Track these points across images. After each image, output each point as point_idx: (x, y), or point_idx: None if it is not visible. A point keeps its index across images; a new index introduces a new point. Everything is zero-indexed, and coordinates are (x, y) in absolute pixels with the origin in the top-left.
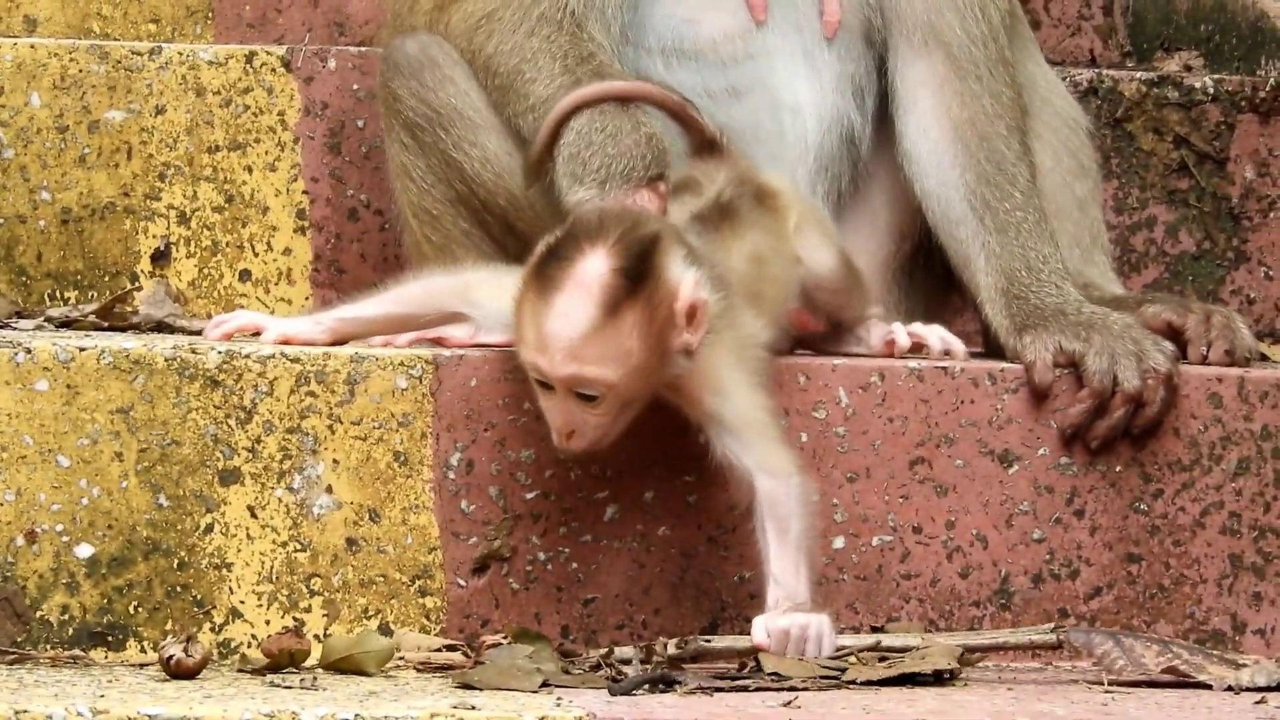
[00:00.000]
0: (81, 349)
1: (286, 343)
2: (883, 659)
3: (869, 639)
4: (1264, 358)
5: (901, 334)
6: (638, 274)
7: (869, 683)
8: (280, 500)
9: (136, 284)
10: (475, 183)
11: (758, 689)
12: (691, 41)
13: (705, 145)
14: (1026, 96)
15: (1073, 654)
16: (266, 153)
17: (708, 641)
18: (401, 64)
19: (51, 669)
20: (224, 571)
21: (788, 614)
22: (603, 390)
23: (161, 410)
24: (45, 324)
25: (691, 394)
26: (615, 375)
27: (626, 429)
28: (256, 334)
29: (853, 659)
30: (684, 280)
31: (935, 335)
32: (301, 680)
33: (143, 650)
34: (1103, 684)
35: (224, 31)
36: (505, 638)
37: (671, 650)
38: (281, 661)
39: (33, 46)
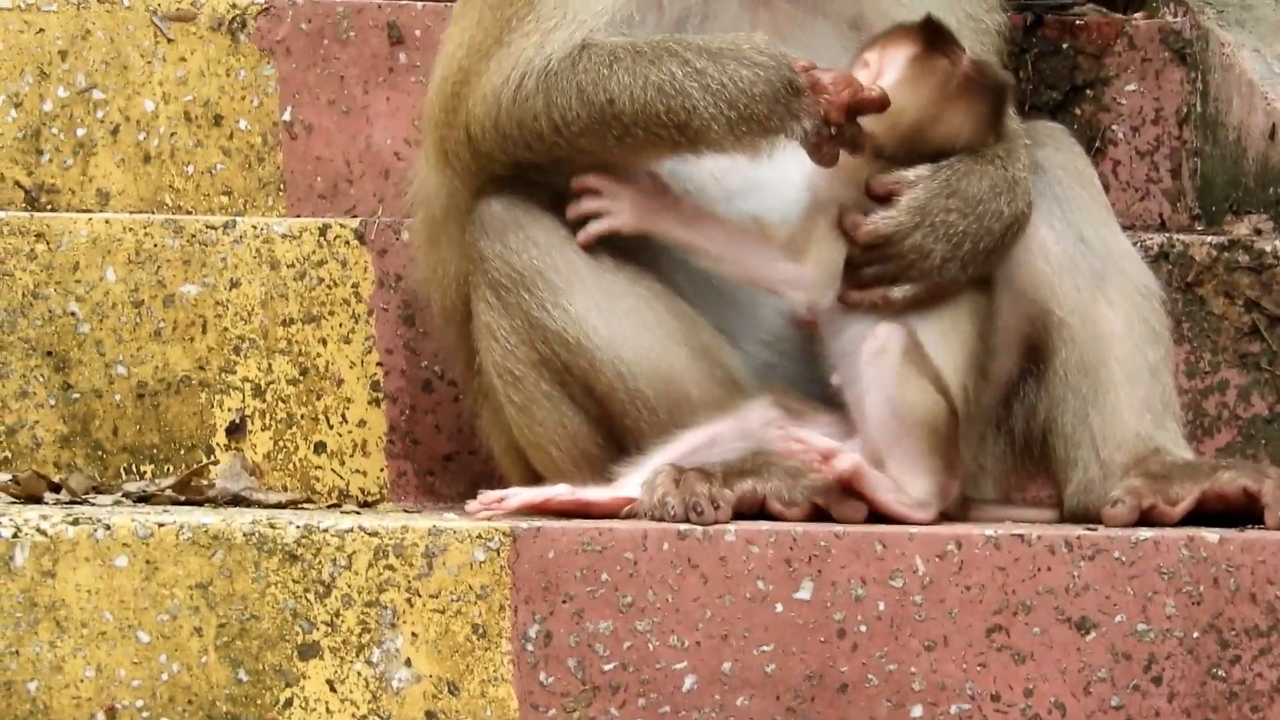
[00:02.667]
0: (160, 524)
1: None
2: None
3: None
4: None
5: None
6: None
7: None
8: (359, 674)
9: (212, 457)
10: (558, 343)
11: None
12: (689, 177)
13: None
14: (1101, 263)
15: None
16: (341, 325)
17: None
18: (488, 224)
19: None
20: None
21: None
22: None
23: (240, 585)
24: (123, 499)
25: None
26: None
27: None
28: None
29: None
30: None
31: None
32: None
33: None
34: None
35: (296, 203)
36: None
37: None
38: None
39: (107, 222)
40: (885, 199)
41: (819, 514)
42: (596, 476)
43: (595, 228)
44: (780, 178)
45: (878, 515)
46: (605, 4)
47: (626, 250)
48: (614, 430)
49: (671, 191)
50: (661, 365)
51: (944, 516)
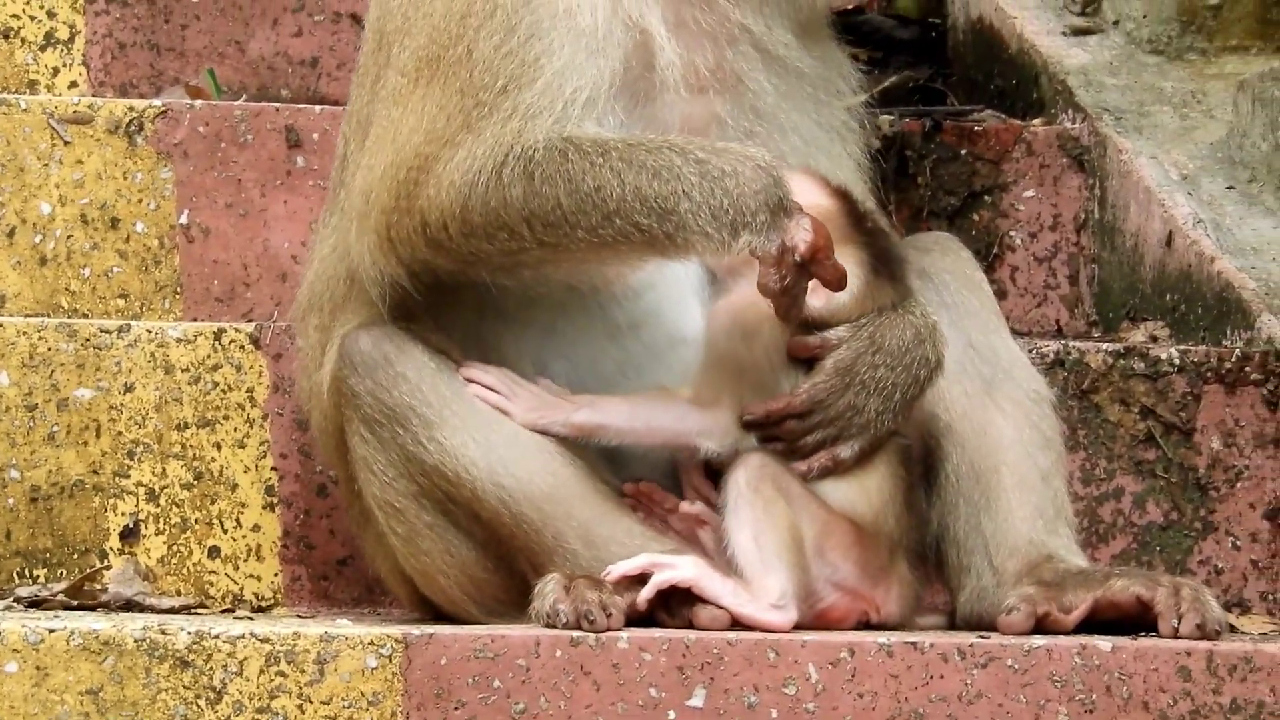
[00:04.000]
0: (51, 630)
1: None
2: None
3: None
4: (1233, 629)
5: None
6: None
7: None
8: None
9: (105, 562)
10: (437, 475)
11: None
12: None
13: None
14: (991, 369)
15: None
16: (235, 429)
17: None
18: (356, 361)
19: None
20: None
21: None
22: None
23: (131, 691)
24: (14, 604)
25: None
26: None
27: None
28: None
29: None
30: None
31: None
32: None
33: None
34: None
35: (193, 306)
36: None
37: None
38: None
39: (1, 325)
40: (807, 360)
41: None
42: (488, 600)
43: (487, 396)
44: (680, 332)
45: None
46: (579, 84)
47: None
48: (503, 554)
49: (567, 392)
50: (544, 488)
51: (878, 627)
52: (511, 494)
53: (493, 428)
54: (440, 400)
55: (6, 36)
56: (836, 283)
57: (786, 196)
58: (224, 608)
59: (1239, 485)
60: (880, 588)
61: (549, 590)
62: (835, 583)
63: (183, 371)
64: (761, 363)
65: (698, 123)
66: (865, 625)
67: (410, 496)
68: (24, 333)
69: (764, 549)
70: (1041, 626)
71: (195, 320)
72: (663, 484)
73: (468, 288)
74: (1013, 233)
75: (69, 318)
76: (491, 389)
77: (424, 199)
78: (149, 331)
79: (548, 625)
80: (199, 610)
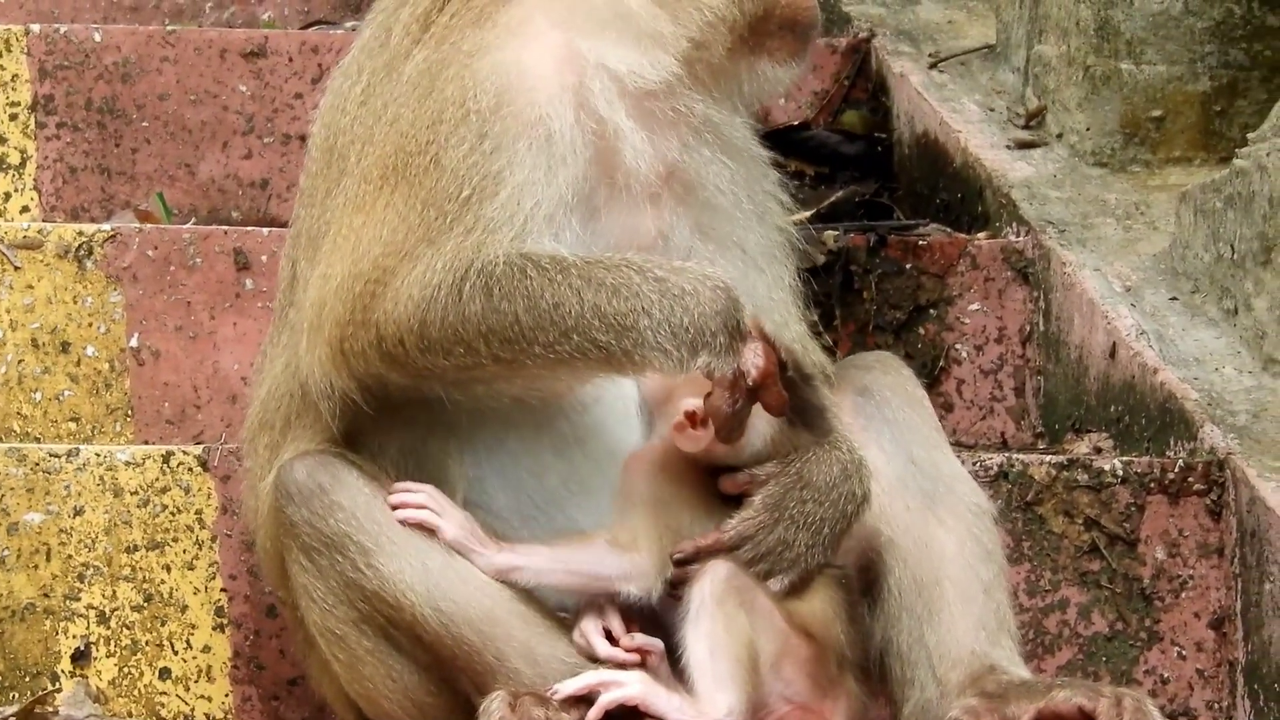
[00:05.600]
0: None
1: None
2: None
3: None
4: None
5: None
6: None
7: None
8: None
9: (57, 685)
10: (377, 601)
11: None
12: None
13: None
14: (932, 484)
15: None
16: (185, 551)
17: None
18: (292, 490)
19: None
20: None
21: None
22: None
23: None
24: None
25: None
26: None
27: None
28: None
29: None
30: None
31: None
32: None
33: None
34: None
35: (144, 428)
36: None
37: None
38: None
39: None
40: (735, 499)
41: None
42: None
43: (415, 515)
44: (625, 446)
45: None
46: (539, 197)
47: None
48: (446, 676)
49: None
50: (483, 610)
51: None
52: (451, 617)
53: (429, 553)
54: (376, 527)
55: None
56: (779, 408)
57: (743, 320)
58: None
59: (1183, 595)
60: (829, 700)
61: (494, 708)
62: (787, 697)
63: (131, 494)
64: (684, 505)
65: (644, 238)
66: None
67: (351, 623)
68: None
69: (717, 664)
70: None
71: (147, 443)
72: None
73: (416, 402)
74: (959, 346)
75: (21, 442)
76: (422, 506)
77: (380, 313)
78: (98, 455)
79: None
80: None
